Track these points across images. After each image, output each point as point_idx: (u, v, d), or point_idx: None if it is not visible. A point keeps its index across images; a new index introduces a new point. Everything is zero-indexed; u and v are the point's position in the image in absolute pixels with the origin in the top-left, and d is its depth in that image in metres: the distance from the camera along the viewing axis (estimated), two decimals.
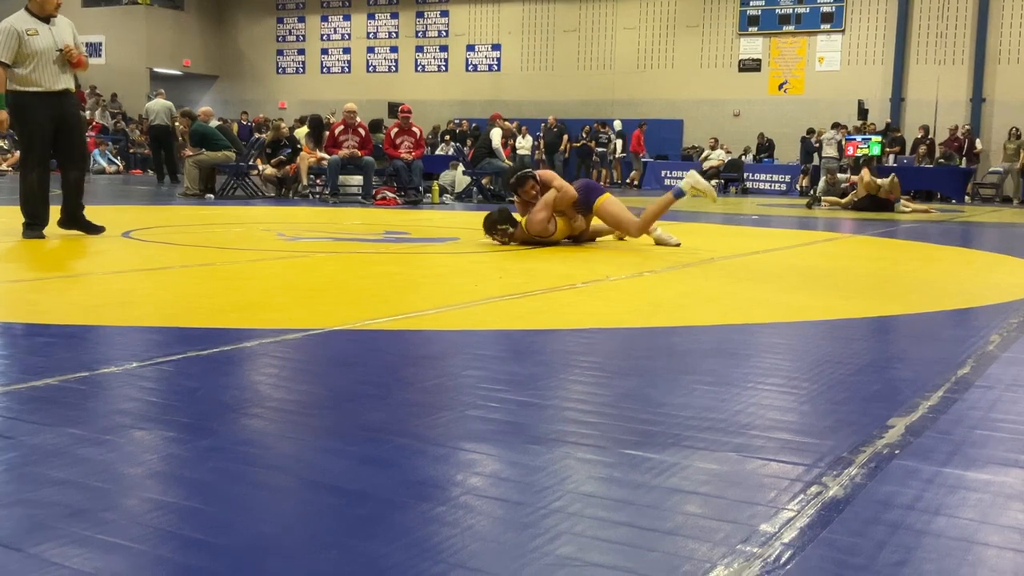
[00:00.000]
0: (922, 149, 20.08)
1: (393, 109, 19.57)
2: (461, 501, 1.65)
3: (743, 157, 22.48)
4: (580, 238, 6.87)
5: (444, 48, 28.33)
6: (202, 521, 1.54)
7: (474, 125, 23.40)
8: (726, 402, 2.39)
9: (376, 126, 14.80)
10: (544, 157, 23.03)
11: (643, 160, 23.10)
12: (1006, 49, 21.68)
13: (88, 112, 23.34)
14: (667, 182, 22.57)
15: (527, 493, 1.70)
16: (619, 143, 23.63)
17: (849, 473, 1.84)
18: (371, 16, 29.36)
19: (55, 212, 6.52)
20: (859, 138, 18.66)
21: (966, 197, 19.71)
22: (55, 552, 1.39)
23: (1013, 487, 1.82)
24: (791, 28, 23.76)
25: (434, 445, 1.98)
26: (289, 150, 14.57)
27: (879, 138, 18.98)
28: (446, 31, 28.25)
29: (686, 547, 1.47)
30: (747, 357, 3.08)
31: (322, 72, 30.20)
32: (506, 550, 1.45)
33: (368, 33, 29.49)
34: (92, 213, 6.74)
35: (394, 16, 29.00)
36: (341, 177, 12.95)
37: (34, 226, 6.34)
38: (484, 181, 14.34)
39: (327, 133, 13.35)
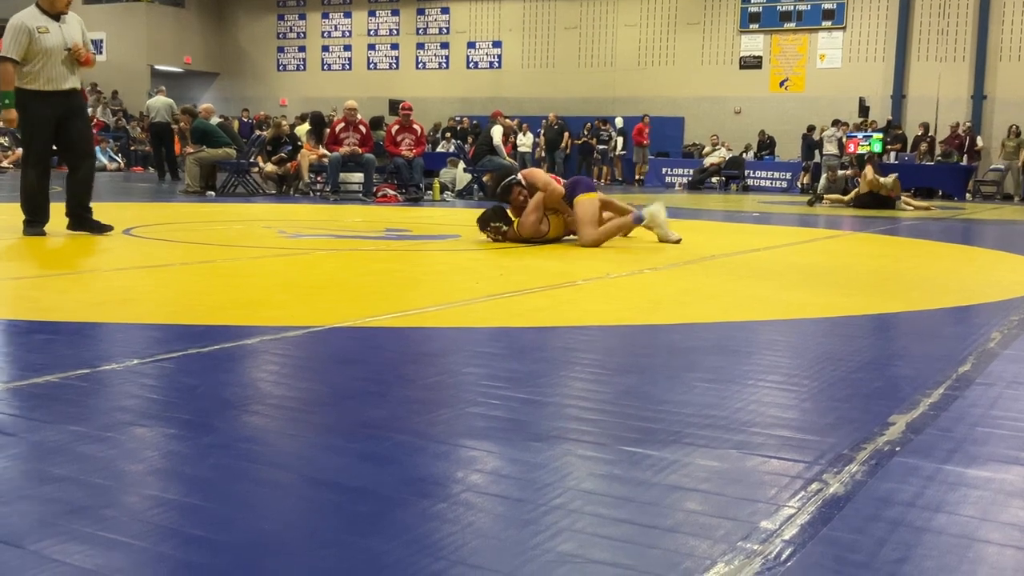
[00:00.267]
0: (923, 147, 20.07)
1: (394, 106, 19.56)
2: (462, 498, 1.65)
3: (744, 154, 22.47)
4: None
5: (445, 45, 28.31)
6: (203, 518, 1.54)
7: (475, 122, 23.40)
8: (727, 399, 2.39)
9: (377, 123, 14.79)
10: (545, 155, 23.02)
11: (646, 151, 23.06)
12: (1007, 46, 21.65)
13: (90, 109, 23.32)
14: (668, 179, 22.62)
15: (528, 490, 1.70)
16: (620, 140, 23.61)
17: (850, 470, 1.84)
18: (372, 13, 29.34)
19: (56, 209, 6.51)
20: (860, 135, 18.64)
21: (967, 194, 19.69)
22: (56, 549, 1.39)
23: (1014, 484, 1.82)
24: (792, 25, 23.73)
25: (435, 442, 1.98)
26: (290, 147, 14.56)
27: (880, 135, 18.97)
28: (447, 28, 28.22)
29: (687, 544, 1.47)
30: (748, 354, 3.08)
31: (323, 69, 30.18)
32: (507, 547, 1.45)
33: (369, 30, 29.46)
34: (94, 210, 6.71)
35: (395, 13, 28.98)
36: (342, 174, 12.95)
37: (34, 223, 6.33)
38: (485, 178, 14.34)
39: (328, 130, 13.34)
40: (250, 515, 1.57)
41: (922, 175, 18.94)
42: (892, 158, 19.30)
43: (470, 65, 27.89)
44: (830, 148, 19.77)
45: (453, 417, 2.18)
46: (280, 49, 30.81)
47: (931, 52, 22.32)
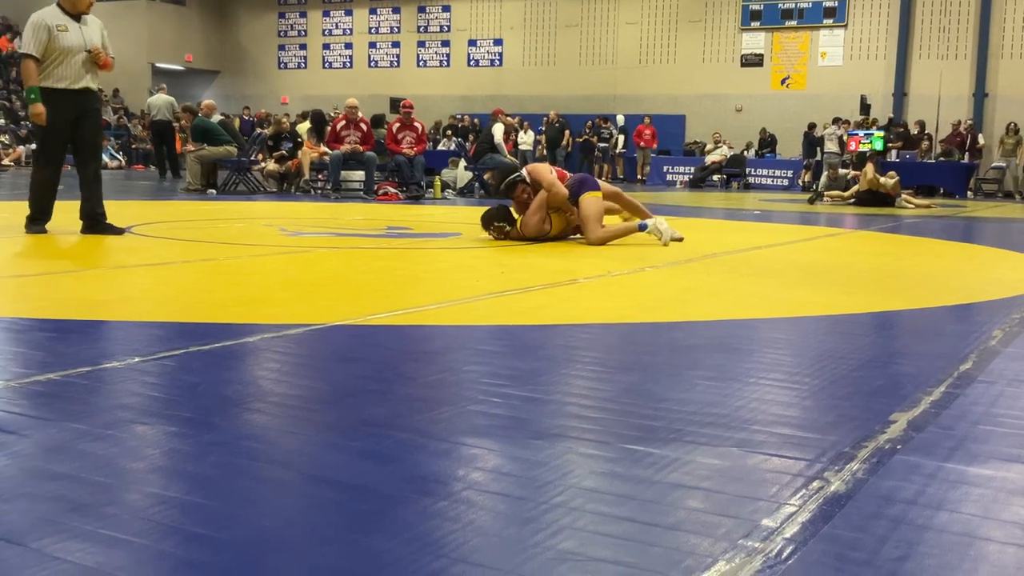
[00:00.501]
0: (924, 145, 20.06)
1: (395, 104, 19.57)
2: (463, 496, 1.65)
3: (745, 152, 22.46)
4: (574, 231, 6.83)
5: (446, 43, 28.30)
6: (204, 516, 1.54)
7: (475, 120, 23.39)
8: (728, 397, 2.38)
9: (378, 121, 14.79)
10: (546, 152, 23.01)
11: (648, 151, 23.07)
12: (1009, 44, 21.63)
13: None
14: (669, 177, 22.60)
15: (529, 488, 1.70)
16: (621, 138, 23.60)
17: (851, 468, 1.84)
18: (373, 11, 29.33)
19: (65, 208, 6.50)
20: (862, 133, 18.63)
21: (968, 192, 19.68)
22: (58, 547, 1.39)
23: (1015, 482, 1.82)
24: (793, 23, 23.71)
25: (436, 440, 1.98)
26: (291, 145, 14.57)
27: (881, 133, 18.95)
28: (448, 26, 28.21)
29: (688, 542, 1.47)
30: (749, 352, 3.07)
31: (324, 67, 30.17)
32: (508, 545, 1.45)
33: (370, 28, 29.45)
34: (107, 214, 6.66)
35: (396, 11, 28.97)
36: (343, 172, 12.95)
37: (38, 220, 6.33)
38: (486, 176, 14.33)
39: (329, 128, 13.34)
40: (251, 513, 1.57)
41: (923, 173, 18.93)
42: (894, 156, 19.29)
43: (471, 63, 27.89)
44: (831, 146, 19.76)
45: (454, 415, 2.18)
46: (281, 47, 30.80)
47: (932, 50, 22.30)
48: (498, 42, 27.44)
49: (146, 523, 1.49)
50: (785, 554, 1.43)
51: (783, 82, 23.92)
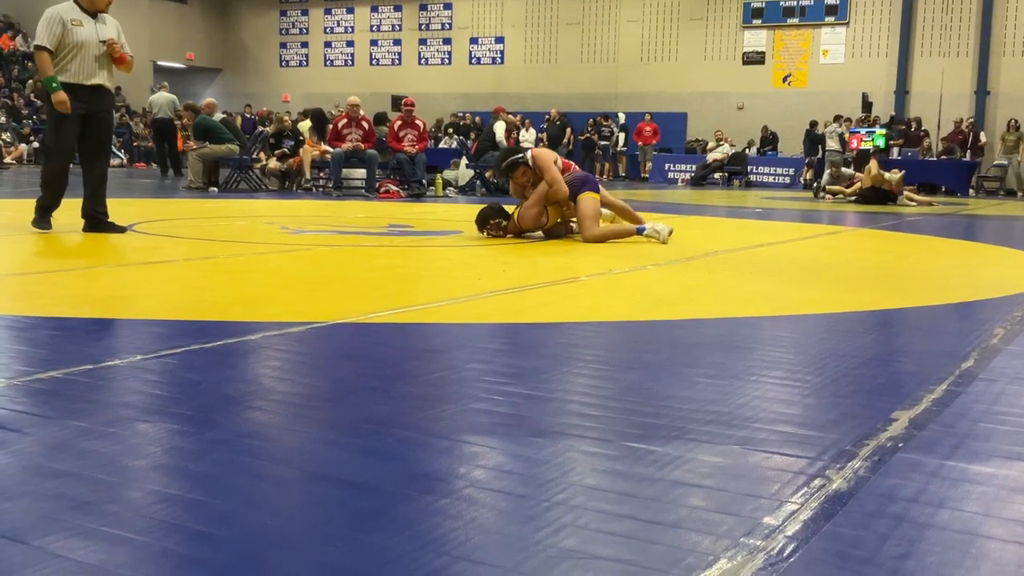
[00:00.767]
0: (926, 143, 20.05)
1: (397, 102, 19.56)
2: (465, 494, 1.65)
3: (747, 150, 22.44)
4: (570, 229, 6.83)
5: (447, 41, 28.29)
6: (206, 513, 1.54)
7: (477, 118, 23.38)
8: (730, 395, 2.38)
9: (380, 119, 14.80)
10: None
11: (649, 148, 23.07)
12: (1011, 42, 21.60)
13: None
14: (671, 175, 22.59)
15: (531, 486, 1.70)
16: (622, 136, 23.58)
17: (853, 466, 1.84)
18: (374, 9, 29.33)
19: (69, 206, 6.49)
20: (863, 131, 18.61)
21: (970, 190, 19.67)
22: (60, 544, 1.39)
23: (1017, 480, 1.82)
24: (795, 20, 23.69)
25: (438, 438, 1.98)
26: (292, 143, 14.58)
27: (883, 131, 18.93)
28: (449, 24, 28.20)
29: (689, 540, 1.47)
30: (751, 350, 3.07)
31: (325, 65, 30.18)
32: (510, 543, 1.45)
33: (371, 26, 29.45)
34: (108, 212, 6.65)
35: (397, 9, 28.96)
36: (345, 170, 12.95)
37: (47, 211, 6.32)
38: (487, 174, 14.33)
39: (330, 126, 13.34)
40: (253, 511, 1.57)
41: (925, 171, 18.92)
42: (895, 154, 19.29)
43: (472, 61, 27.88)
44: (832, 144, 19.75)
45: (456, 413, 2.18)
46: (283, 45, 30.80)
47: (934, 47, 22.27)
48: (500, 40, 27.43)
49: (148, 521, 1.50)
50: (787, 552, 1.43)
51: (785, 80, 23.91)
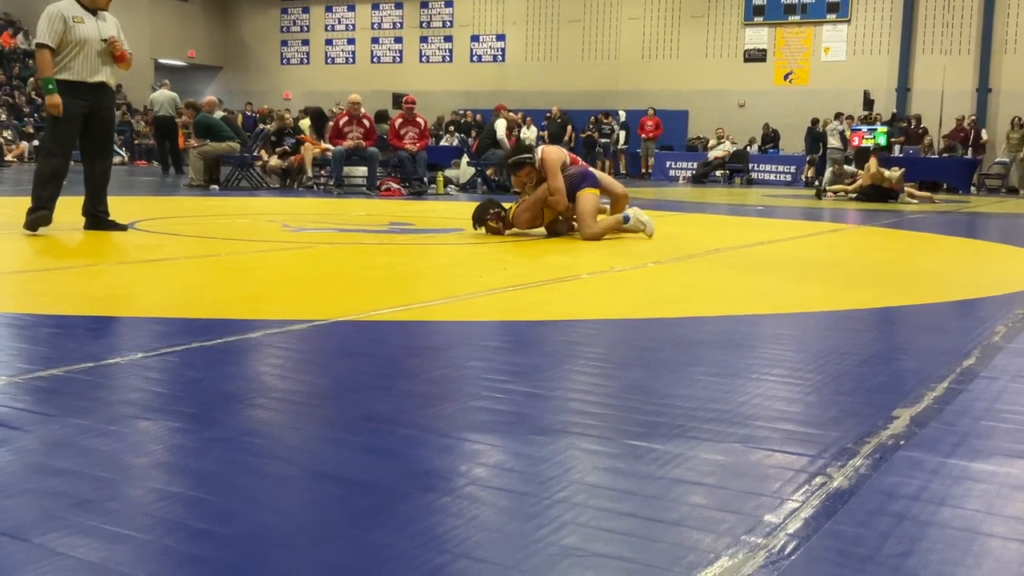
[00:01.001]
0: (927, 140, 20.04)
1: (398, 100, 19.55)
2: (465, 491, 1.65)
3: (748, 148, 22.43)
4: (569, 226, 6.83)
5: (448, 39, 28.28)
6: (207, 511, 1.54)
7: (478, 116, 23.37)
8: (731, 393, 2.38)
9: (381, 117, 14.79)
10: None
11: (651, 145, 23.05)
12: (1012, 39, 21.58)
13: None
14: (672, 172, 22.60)
15: (532, 483, 1.70)
16: (623, 134, 23.57)
17: (854, 464, 1.84)
18: (375, 7, 29.32)
19: (69, 203, 6.47)
20: (865, 128, 18.61)
21: (972, 187, 19.65)
22: (61, 542, 1.39)
23: (1018, 478, 1.82)
24: (796, 18, 23.68)
25: (438, 436, 1.98)
26: (293, 141, 14.58)
27: (885, 128, 18.92)
28: (450, 21, 28.19)
29: (690, 538, 1.47)
30: (752, 348, 3.07)
31: (326, 63, 30.17)
32: (510, 540, 1.45)
33: (372, 24, 29.44)
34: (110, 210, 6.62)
35: (399, 6, 28.96)
36: (346, 168, 12.95)
37: (39, 210, 6.04)
38: (488, 172, 14.33)
39: (331, 124, 13.34)
40: (254, 508, 1.57)
41: (926, 168, 18.92)
42: (897, 151, 19.28)
43: (473, 58, 27.87)
44: (833, 141, 19.74)
45: (457, 411, 2.18)
46: (284, 43, 30.80)
47: (936, 45, 22.25)
48: (501, 37, 27.41)
49: (149, 519, 1.50)
50: (788, 550, 1.43)
51: (786, 77, 23.89)
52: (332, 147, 12.90)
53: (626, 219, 6.61)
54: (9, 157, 20.86)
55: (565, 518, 1.53)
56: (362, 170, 13.01)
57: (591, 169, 7.06)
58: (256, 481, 1.70)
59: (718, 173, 21.78)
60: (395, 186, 12.94)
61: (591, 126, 23.36)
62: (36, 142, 21.43)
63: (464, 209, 8.55)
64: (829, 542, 1.47)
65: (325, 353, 2.90)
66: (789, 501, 1.63)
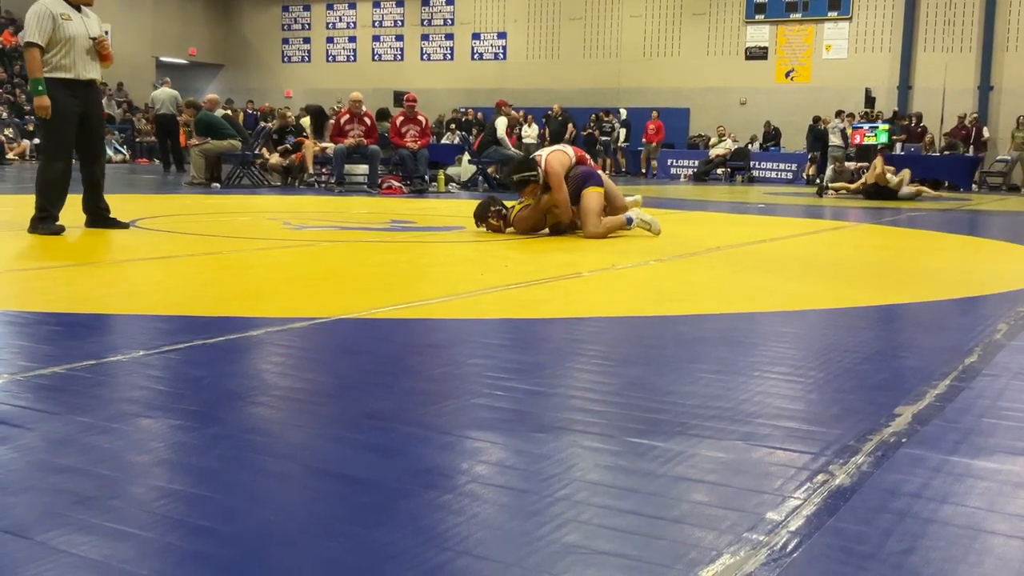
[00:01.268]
0: (928, 138, 20.02)
1: (399, 98, 19.55)
2: (467, 489, 1.65)
3: (749, 145, 22.41)
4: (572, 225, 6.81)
5: (450, 36, 28.27)
6: (209, 508, 1.54)
7: (479, 114, 23.36)
8: (732, 390, 2.38)
9: (382, 115, 14.79)
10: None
11: (655, 145, 23.06)
12: (1014, 37, 21.55)
13: None
14: (673, 171, 22.59)
15: (533, 481, 1.70)
16: (623, 132, 23.56)
17: (856, 461, 1.84)
18: (376, 4, 29.30)
19: (68, 204, 6.46)
20: (866, 126, 18.59)
21: (973, 185, 19.64)
22: (63, 540, 1.39)
23: (1020, 475, 1.82)
24: (798, 16, 23.65)
25: (440, 433, 1.98)
26: (294, 139, 14.57)
27: (886, 126, 18.91)
28: (451, 19, 28.17)
29: (692, 535, 1.47)
30: (753, 345, 3.07)
31: (327, 61, 30.16)
32: (512, 538, 1.45)
33: (373, 22, 29.43)
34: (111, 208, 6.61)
35: (400, 4, 28.94)
36: (347, 166, 12.95)
37: (46, 219, 5.99)
38: (490, 170, 14.33)
39: (332, 122, 13.34)
40: (256, 506, 1.57)
41: (928, 166, 18.90)
42: (899, 149, 19.26)
43: (475, 56, 27.85)
44: (834, 139, 19.72)
45: (458, 408, 2.18)
46: (285, 41, 30.79)
47: (937, 43, 22.23)
48: (502, 35, 27.40)
49: (151, 516, 1.50)
50: (790, 547, 1.43)
51: (787, 75, 23.87)
52: (333, 145, 12.90)
53: (629, 220, 6.60)
54: (11, 155, 20.86)
55: (567, 516, 1.53)
56: (363, 168, 13.01)
57: (596, 168, 7.07)
58: (258, 479, 1.70)
59: (719, 171, 21.76)
60: (396, 184, 12.94)
61: (592, 124, 23.34)
62: (37, 140, 21.44)
63: (465, 207, 8.55)
64: (831, 539, 1.47)
65: (326, 351, 2.90)
66: (791, 498, 1.63)
